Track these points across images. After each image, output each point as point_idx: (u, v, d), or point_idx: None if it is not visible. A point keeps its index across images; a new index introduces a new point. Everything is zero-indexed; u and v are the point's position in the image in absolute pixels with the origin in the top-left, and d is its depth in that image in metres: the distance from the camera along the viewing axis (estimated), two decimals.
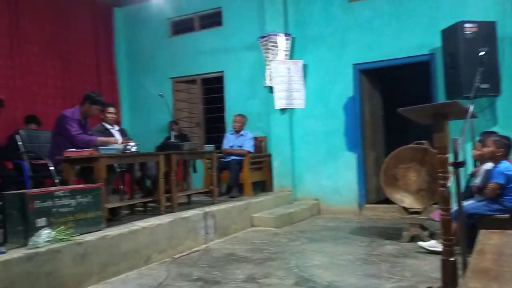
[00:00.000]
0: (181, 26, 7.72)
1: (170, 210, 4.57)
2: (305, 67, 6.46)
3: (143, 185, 5.06)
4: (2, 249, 2.90)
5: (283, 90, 6.41)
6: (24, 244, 3.04)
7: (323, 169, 6.36)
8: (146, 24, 7.83)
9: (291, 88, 6.42)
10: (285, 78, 6.38)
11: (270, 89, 6.52)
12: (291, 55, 6.49)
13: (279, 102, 6.43)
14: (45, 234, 3.08)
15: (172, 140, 5.20)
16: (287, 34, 6.43)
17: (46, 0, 6.63)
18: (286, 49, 6.43)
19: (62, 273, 3.01)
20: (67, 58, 6.92)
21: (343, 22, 6.22)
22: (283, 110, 6.48)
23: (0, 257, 2.73)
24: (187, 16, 7.60)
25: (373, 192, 6.37)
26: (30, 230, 3.09)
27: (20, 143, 4.82)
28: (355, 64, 6.19)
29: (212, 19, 7.39)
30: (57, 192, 3.35)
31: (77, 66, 7.08)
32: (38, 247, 2.96)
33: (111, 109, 5.34)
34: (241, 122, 6.51)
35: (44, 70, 6.52)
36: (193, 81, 7.61)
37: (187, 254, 4.10)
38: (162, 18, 7.70)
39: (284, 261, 3.73)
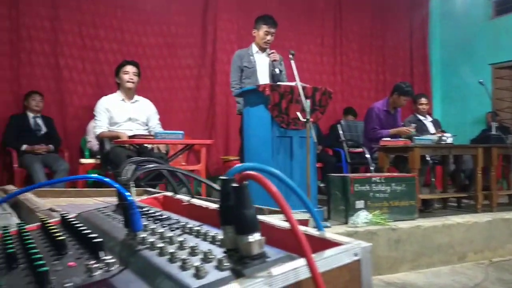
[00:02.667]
0: (507, 5, 6.83)
1: (488, 208, 4.16)
2: None
3: (457, 179, 4.78)
4: (327, 223, 3.32)
5: None
6: (345, 222, 3.39)
7: None
8: (463, 8, 7.30)
9: None
10: None
11: None
12: None
13: None
14: (363, 215, 3.33)
15: (493, 132, 4.70)
16: None
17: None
18: None
19: (377, 254, 3.19)
20: (382, 52, 7.26)
21: None
22: None
23: (326, 230, 3.12)
24: None
25: None
26: (350, 210, 3.41)
27: (340, 132, 5.37)
28: None
29: None
30: (374, 178, 3.56)
31: (391, 59, 7.33)
32: (357, 227, 3.23)
33: (423, 100, 5.28)
34: None
35: (361, 65, 7.06)
36: None
37: (509, 260, 3.64)
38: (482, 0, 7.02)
39: None
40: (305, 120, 3.36)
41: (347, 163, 5.33)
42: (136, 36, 5.58)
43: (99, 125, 4.05)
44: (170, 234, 0.54)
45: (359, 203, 3.45)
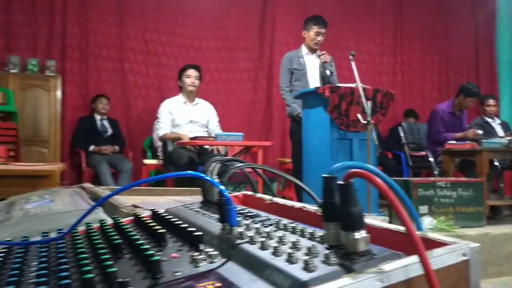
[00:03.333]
0: None
1: None
2: None
3: None
4: None
5: None
6: None
7: None
8: None
9: None
10: None
11: None
12: None
13: None
14: (427, 221, 3.21)
15: None
16: None
17: None
18: None
19: None
20: (445, 52, 6.98)
21: None
22: None
23: None
24: None
25: None
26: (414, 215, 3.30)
27: (402, 135, 5.22)
28: None
29: None
30: (439, 183, 3.43)
31: (455, 58, 7.03)
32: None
33: (491, 101, 5.02)
34: None
35: (422, 65, 6.83)
36: None
37: None
38: None
39: None
40: (365, 122, 3.31)
41: (408, 166, 5.17)
42: (196, 41, 5.73)
43: (162, 127, 4.20)
44: (267, 229, 0.56)
45: (423, 208, 3.33)
